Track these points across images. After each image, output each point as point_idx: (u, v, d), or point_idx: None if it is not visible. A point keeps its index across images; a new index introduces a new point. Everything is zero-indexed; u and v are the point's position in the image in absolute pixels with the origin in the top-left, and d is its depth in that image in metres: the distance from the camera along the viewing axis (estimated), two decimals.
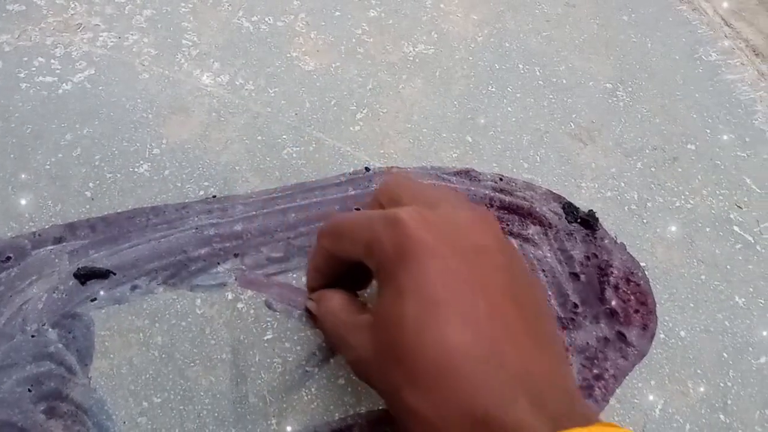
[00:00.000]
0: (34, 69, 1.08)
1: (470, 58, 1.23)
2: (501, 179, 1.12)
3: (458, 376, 0.41)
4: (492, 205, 1.09)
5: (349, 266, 0.64)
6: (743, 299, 1.04)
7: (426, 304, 0.45)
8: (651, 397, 0.95)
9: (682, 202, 1.12)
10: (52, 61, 1.10)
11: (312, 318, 0.87)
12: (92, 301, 0.92)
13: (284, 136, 1.09)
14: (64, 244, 0.95)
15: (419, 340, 0.44)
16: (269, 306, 0.95)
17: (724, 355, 0.99)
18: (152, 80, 1.11)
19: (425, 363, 0.43)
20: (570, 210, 1.09)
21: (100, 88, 1.08)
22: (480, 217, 0.55)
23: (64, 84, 1.07)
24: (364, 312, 0.59)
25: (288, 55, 1.17)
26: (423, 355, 0.43)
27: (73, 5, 1.16)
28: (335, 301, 0.66)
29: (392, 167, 1.09)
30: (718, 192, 1.14)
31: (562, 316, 1.01)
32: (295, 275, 0.98)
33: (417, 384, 0.43)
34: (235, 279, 0.97)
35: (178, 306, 0.93)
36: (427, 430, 0.42)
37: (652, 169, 1.15)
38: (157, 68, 1.12)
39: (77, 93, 1.07)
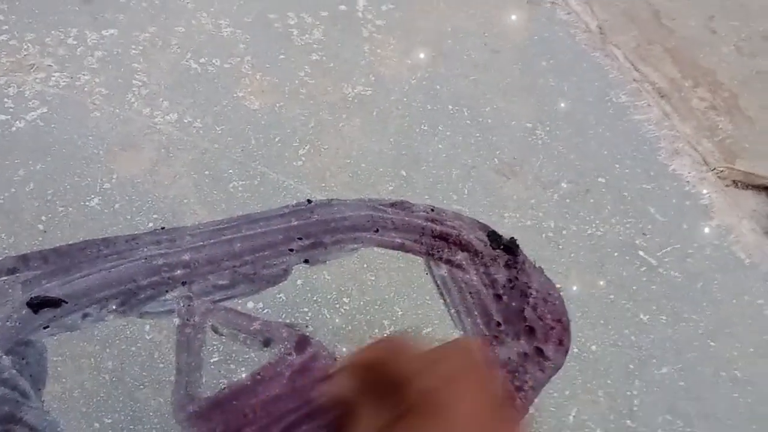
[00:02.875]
0: None
1: (404, 99, 1.34)
2: (432, 210, 1.22)
3: None
4: (424, 234, 1.19)
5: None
6: (647, 316, 1.17)
7: None
8: (565, 406, 1.05)
9: (594, 229, 1.25)
10: (6, 99, 1.15)
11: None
12: (45, 328, 0.96)
13: (230, 171, 1.17)
14: (17, 274, 1.00)
15: None
16: (215, 330, 1.02)
17: (630, 366, 1.11)
18: (103, 118, 1.17)
19: None
20: (494, 238, 1.20)
21: (53, 125, 1.14)
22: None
23: (17, 122, 1.13)
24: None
25: (234, 94, 1.26)
26: None
27: (26, 46, 1.22)
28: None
29: (333, 199, 1.18)
30: (625, 220, 1.27)
31: (487, 334, 1.11)
32: (240, 301, 1.05)
33: None
34: (183, 306, 1.03)
35: (128, 332, 0.98)
36: None
37: (567, 201, 1.27)
38: (108, 107, 1.19)
39: (30, 131, 1.12)
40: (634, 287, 1.20)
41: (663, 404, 1.08)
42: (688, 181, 1.37)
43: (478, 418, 0.58)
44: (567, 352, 1.12)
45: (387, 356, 0.64)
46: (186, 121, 1.20)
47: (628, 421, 1.06)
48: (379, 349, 0.67)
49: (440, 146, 1.30)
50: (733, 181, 1.41)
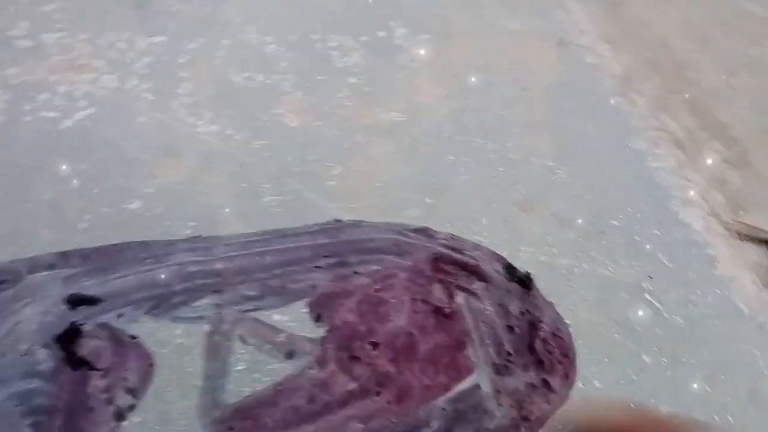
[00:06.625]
0: (38, 104, 1.17)
1: (435, 128, 1.40)
2: (453, 238, 1.27)
3: None
4: (444, 261, 1.24)
5: None
6: (649, 357, 1.22)
7: None
8: None
9: (604, 270, 1.30)
10: (56, 97, 1.19)
11: None
12: (81, 325, 1.01)
13: (266, 185, 1.22)
14: (57, 270, 1.04)
15: None
16: (243, 340, 1.07)
17: (631, 404, 1.16)
18: (148, 124, 1.22)
19: None
20: (510, 270, 1.26)
21: (100, 127, 1.19)
22: None
23: (66, 120, 1.17)
24: None
25: (274, 111, 1.31)
26: None
27: (78, 46, 1.27)
28: None
29: (360, 221, 1.23)
30: (634, 263, 1.32)
31: (498, 362, 1.16)
32: (268, 313, 1.10)
33: None
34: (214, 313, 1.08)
35: (160, 335, 1.03)
36: None
37: (581, 240, 1.33)
38: (153, 113, 1.23)
39: (78, 130, 1.17)
40: (638, 328, 1.25)
41: None
42: (696, 230, 1.43)
43: None
44: (572, 386, 1.17)
45: None
46: (227, 133, 1.25)
47: None
48: None
49: (465, 177, 1.35)
50: (738, 233, 1.47)
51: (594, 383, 1.18)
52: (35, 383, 0.95)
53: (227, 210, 1.17)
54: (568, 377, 1.18)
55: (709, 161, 1.57)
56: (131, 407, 0.97)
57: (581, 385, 1.17)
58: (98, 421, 0.96)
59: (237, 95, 1.30)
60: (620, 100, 1.60)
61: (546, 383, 1.17)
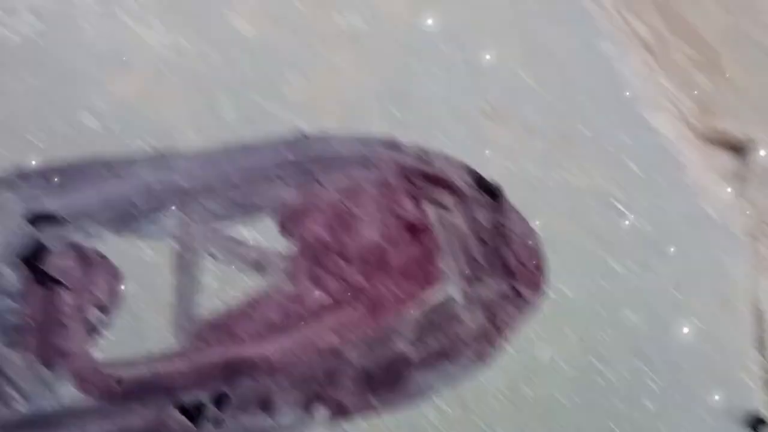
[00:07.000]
0: None
1: (399, 35, 1.34)
2: (420, 150, 1.25)
3: None
4: (413, 174, 1.22)
5: None
6: (620, 266, 1.24)
7: None
8: (540, 346, 1.14)
9: (573, 178, 1.30)
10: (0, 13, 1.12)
11: None
12: (46, 243, 0.99)
13: (223, 98, 1.17)
14: (17, 191, 1.01)
15: None
16: (212, 255, 1.06)
17: (602, 312, 1.19)
18: (97, 36, 1.15)
19: None
20: (479, 181, 1.25)
21: (48, 41, 1.12)
22: None
23: (12, 35, 1.10)
24: None
25: (228, 20, 1.23)
26: None
27: None
28: None
29: (325, 133, 1.20)
30: (603, 171, 1.32)
31: (469, 273, 1.18)
32: (235, 227, 1.09)
33: None
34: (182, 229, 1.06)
35: (128, 253, 1.02)
36: None
37: (550, 148, 1.31)
38: (101, 25, 1.16)
39: (25, 45, 1.10)
40: (608, 237, 1.26)
41: (626, 347, 1.18)
42: (665, 136, 1.42)
43: None
44: (543, 294, 1.19)
45: None
46: (179, 43, 1.19)
47: (598, 364, 1.16)
48: None
49: (431, 86, 1.31)
50: (708, 139, 1.47)
51: (565, 292, 1.20)
52: (5, 302, 0.94)
53: (185, 124, 1.13)
54: (538, 286, 1.20)
55: (678, 65, 1.54)
56: (104, 323, 0.97)
57: (552, 295, 1.19)
58: (72, 338, 0.96)
59: (188, 2, 1.22)
60: (586, 1, 1.53)
61: (517, 292, 1.19)
